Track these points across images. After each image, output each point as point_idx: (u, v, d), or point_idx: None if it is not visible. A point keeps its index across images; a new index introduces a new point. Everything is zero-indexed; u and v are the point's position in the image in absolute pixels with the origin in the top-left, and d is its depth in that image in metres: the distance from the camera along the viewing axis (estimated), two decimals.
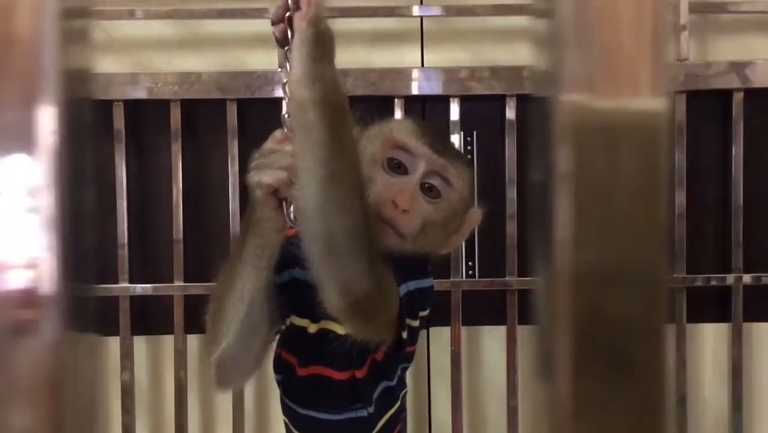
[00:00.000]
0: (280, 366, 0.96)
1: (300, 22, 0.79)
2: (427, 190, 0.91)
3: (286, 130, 0.81)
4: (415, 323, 0.92)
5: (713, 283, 1.51)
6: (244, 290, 0.83)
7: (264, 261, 0.82)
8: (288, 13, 0.82)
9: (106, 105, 1.46)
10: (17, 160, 0.26)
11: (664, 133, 0.28)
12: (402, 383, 0.99)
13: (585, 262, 0.29)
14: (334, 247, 0.75)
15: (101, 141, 1.48)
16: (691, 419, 1.53)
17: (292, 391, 0.95)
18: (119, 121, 1.47)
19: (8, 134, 0.26)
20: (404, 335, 0.88)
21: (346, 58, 1.47)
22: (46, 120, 0.26)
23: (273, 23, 0.83)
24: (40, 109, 0.26)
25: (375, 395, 0.93)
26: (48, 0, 0.26)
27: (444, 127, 1.47)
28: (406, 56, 1.52)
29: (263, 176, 0.78)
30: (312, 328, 0.92)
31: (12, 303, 0.27)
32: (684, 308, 1.51)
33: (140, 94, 1.45)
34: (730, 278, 1.50)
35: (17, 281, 0.26)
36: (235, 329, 0.84)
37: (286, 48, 0.82)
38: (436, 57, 1.51)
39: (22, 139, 0.26)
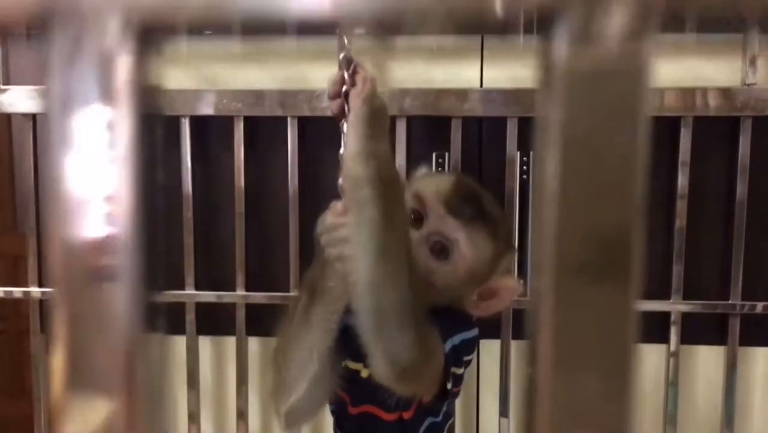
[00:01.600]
0: (334, 399, 1.01)
1: (355, 99, 0.82)
2: (437, 250, 0.92)
3: (344, 201, 0.85)
4: (460, 371, 0.96)
5: None
6: (313, 350, 0.89)
7: (333, 323, 0.88)
8: (344, 88, 0.85)
9: (173, 120, 1.53)
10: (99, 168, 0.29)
11: (643, 81, 0.27)
12: (448, 415, 1.03)
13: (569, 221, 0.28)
14: (384, 320, 0.79)
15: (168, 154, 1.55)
16: None
17: (344, 424, 1.01)
18: (185, 136, 1.54)
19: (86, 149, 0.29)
20: (449, 385, 0.92)
21: (405, 75, 1.50)
22: (123, 133, 0.29)
23: (329, 98, 0.86)
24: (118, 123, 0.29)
25: (421, 431, 0.98)
26: (127, 14, 0.28)
27: (501, 146, 1.48)
28: (466, 73, 1.52)
29: (344, 249, 0.82)
30: (365, 372, 0.97)
31: (93, 301, 0.30)
32: (737, 332, 1.50)
33: (207, 110, 1.51)
34: None
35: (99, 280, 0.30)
36: (305, 385, 0.91)
37: (342, 121, 0.86)
38: (496, 74, 1.51)
39: (102, 152, 0.29)
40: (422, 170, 1.08)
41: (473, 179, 1.01)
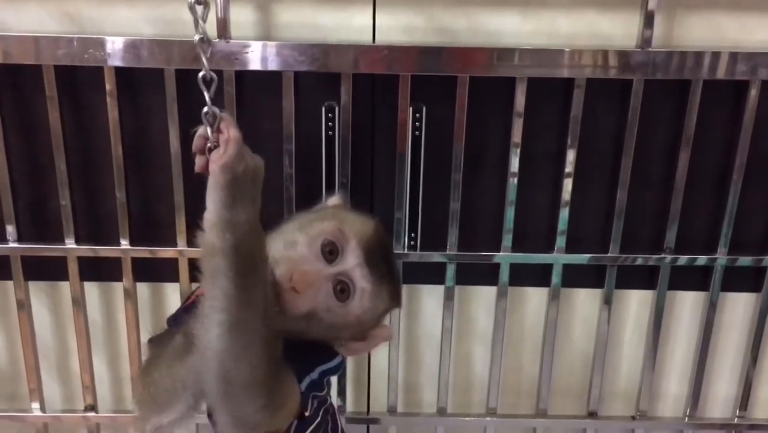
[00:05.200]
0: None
1: (214, 166, 0.75)
2: (339, 290, 0.90)
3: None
4: (321, 393, 0.99)
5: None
6: (186, 387, 0.86)
7: None
8: (209, 145, 0.78)
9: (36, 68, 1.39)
10: None
11: None
12: (316, 410, 1.01)
13: None
14: (230, 389, 0.79)
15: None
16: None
17: None
18: (51, 85, 1.40)
19: None
20: (307, 413, 0.93)
21: (291, 20, 1.39)
22: None
23: (193, 152, 0.79)
24: None
25: None
26: None
27: (394, 102, 1.43)
28: (357, 20, 1.42)
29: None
30: None
31: None
32: (614, 278, 1.59)
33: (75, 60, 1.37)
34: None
35: None
36: (172, 414, 0.88)
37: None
38: (389, 22, 1.42)
39: None
40: (335, 198, 1.03)
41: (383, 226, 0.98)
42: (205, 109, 0.78)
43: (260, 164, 0.79)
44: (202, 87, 0.79)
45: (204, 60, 0.79)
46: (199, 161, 0.79)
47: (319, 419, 1.01)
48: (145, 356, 0.96)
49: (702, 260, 1.58)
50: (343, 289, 0.91)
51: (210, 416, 1.01)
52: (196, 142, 0.79)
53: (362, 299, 0.91)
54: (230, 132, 0.77)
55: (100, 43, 1.36)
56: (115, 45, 1.36)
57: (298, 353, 0.87)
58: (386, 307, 0.96)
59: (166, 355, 0.89)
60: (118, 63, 1.38)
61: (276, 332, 0.82)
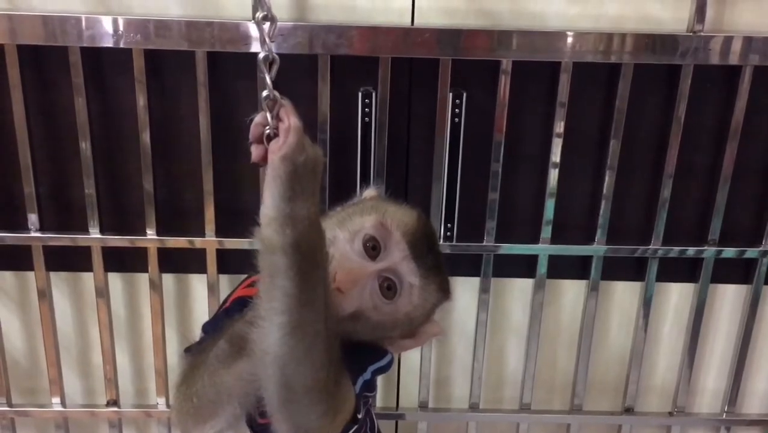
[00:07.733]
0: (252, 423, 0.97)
1: (273, 154, 0.70)
2: (386, 288, 0.86)
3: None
4: (372, 393, 0.95)
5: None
6: (232, 397, 0.81)
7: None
8: (267, 131, 0.72)
9: (62, 50, 1.33)
10: None
11: None
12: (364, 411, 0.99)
13: None
14: (291, 395, 0.74)
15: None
16: None
17: None
18: (77, 68, 1.34)
19: None
20: (359, 415, 0.89)
21: (327, 2, 1.34)
22: None
23: (250, 142, 0.74)
24: None
25: None
26: None
27: (432, 86, 1.37)
28: (396, 2, 1.36)
29: None
30: None
31: None
32: (655, 271, 1.54)
33: (102, 41, 1.31)
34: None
35: None
36: (218, 425, 0.84)
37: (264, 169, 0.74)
38: (429, 3, 1.36)
39: None
40: (371, 190, 0.98)
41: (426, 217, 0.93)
42: (265, 92, 0.72)
43: (320, 155, 0.74)
44: (263, 68, 0.74)
45: (267, 38, 0.73)
46: (256, 151, 0.73)
47: (361, 419, 0.97)
48: (182, 366, 0.90)
49: (746, 252, 1.53)
50: (389, 286, 0.86)
51: (251, 426, 0.96)
52: (254, 131, 0.73)
53: (411, 294, 0.87)
54: (291, 120, 0.71)
55: (128, 24, 1.30)
56: (143, 26, 1.30)
57: (349, 353, 0.83)
58: (436, 301, 0.92)
59: (208, 363, 0.84)
60: (146, 45, 1.32)
61: (335, 332, 0.77)
